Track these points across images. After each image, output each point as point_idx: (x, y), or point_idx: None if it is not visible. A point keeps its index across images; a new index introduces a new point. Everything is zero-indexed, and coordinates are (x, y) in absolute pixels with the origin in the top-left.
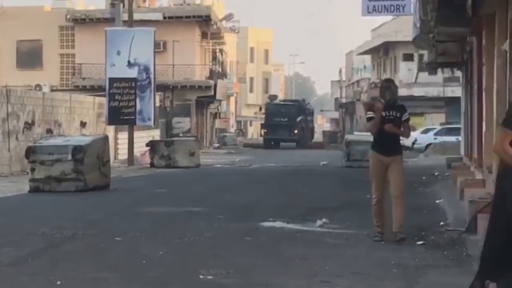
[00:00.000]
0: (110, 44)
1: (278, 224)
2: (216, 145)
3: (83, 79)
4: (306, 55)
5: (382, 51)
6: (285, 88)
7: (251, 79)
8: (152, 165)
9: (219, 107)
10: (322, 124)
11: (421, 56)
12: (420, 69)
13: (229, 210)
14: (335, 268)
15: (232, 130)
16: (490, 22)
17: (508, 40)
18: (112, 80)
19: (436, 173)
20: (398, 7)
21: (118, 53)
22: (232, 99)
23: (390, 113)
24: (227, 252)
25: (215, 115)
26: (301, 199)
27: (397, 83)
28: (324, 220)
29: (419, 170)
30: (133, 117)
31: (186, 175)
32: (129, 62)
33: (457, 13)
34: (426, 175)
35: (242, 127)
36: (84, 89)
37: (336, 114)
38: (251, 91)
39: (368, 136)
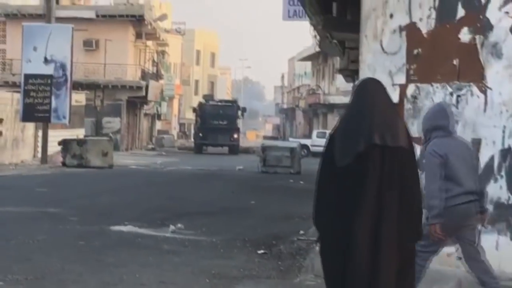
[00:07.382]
0: (27, 40)
1: (127, 228)
2: (151, 146)
3: (13, 75)
4: (257, 59)
5: (321, 58)
6: (231, 92)
7: (196, 81)
8: (64, 164)
9: (158, 109)
10: (269, 129)
11: None
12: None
13: (90, 212)
14: (144, 276)
15: (174, 132)
16: None
17: None
18: (27, 77)
19: None
20: None
21: (35, 49)
22: (176, 101)
23: None
24: (45, 257)
25: (154, 116)
26: (179, 203)
27: (333, 90)
28: (179, 225)
29: None
30: (47, 114)
31: (87, 176)
32: (45, 58)
33: (341, 18)
34: None
35: (186, 130)
36: (14, 85)
37: (279, 120)
38: (196, 93)
39: (286, 142)
